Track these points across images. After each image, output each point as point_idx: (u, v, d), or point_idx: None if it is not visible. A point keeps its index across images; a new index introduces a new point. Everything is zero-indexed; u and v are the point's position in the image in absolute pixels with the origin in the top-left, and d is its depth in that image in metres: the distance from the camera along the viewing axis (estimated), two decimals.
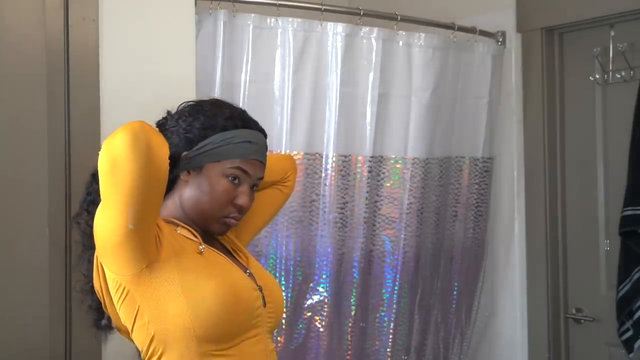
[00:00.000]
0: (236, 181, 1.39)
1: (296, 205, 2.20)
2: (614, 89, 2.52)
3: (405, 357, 2.47)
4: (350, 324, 2.34)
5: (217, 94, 2.01)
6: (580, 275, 2.63)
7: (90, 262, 1.37)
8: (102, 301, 1.36)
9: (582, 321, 2.60)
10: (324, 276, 2.27)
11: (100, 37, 1.83)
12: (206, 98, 1.52)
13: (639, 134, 2.35)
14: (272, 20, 2.15)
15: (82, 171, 1.66)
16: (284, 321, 2.19)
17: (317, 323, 2.28)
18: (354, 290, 2.33)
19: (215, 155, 1.38)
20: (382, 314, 2.40)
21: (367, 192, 2.31)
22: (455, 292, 2.65)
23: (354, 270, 2.32)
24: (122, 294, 1.28)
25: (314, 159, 2.24)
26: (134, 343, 1.34)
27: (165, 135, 1.36)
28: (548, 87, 2.65)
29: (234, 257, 1.47)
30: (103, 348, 1.80)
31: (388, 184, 2.37)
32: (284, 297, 2.10)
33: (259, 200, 1.63)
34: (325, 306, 2.27)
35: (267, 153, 1.50)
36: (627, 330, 2.35)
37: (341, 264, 2.29)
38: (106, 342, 1.47)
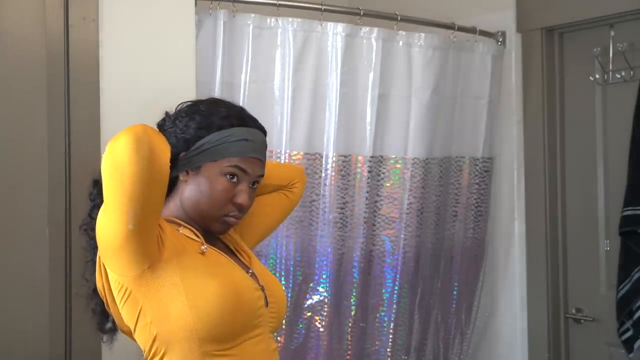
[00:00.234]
0: (235, 180, 1.39)
1: None
2: (614, 89, 2.52)
3: (405, 357, 2.47)
4: (350, 324, 2.34)
5: (217, 94, 2.01)
6: (580, 275, 2.63)
7: (94, 265, 1.38)
8: (104, 301, 1.36)
9: (582, 321, 2.60)
10: (324, 276, 2.27)
11: (100, 37, 1.83)
12: (204, 98, 1.52)
13: (639, 134, 2.35)
14: (272, 20, 2.14)
15: (82, 171, 1.66)
16: (284, 321, 2.19)
17: (317, 323, 2.28)
18: (354, 290, 2.33)
19: (212, 154, 1.38)
20: (382, 314, 2.40)
21: (367, 192, 2.31)
22: (455, 292, 2.65)
23: (354, 270, 2.32)
24: (124, 294, 1.28)
25: (314, 159, 2.24)
26: (136, 343, 1.34)
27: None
28: (548, 87, 2.65)
29: (237, 257, 1.48)
30: (103, 348, 1.80)
31: (388, 184, 2.37)
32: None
33: (264, 203, 1.63)
34: (325, 306, 2.27)
35: (277, 162, 1.49)
36: (627, 330, 2.35)
37: (341, 264, 2.29)
38: (112, 346, 1.47)
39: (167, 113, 1.46)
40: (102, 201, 1.24)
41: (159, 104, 1.49)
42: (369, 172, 2.31)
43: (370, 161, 2.31)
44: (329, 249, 2.26)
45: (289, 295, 2.22)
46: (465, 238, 2.63)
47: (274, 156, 2.16)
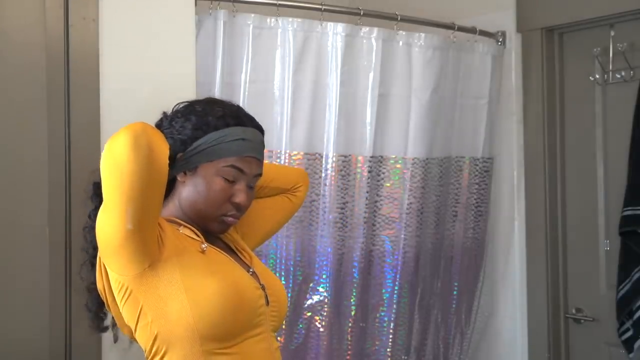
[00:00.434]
0: (232, 179, 1.39)
1: None
2: (614, 89, 2.52)
3: (405, 357, 2.47)
4: (350, 324, 2.34)
5: (217, 94, 2.01)
6: (580, 275, 2.62)
7: (93, 265, 1.38)
8: (104, 301, 1.36)
9: (582, 321, 2.60)
10: (324, 276, 2.27)
11: (100, 37, 1.83)
12: (201, 98, 1.52)
13: (639, 134, 2.35)
14: (272, 20, 2.14)
15: (82, 171, 1.66)
16: (284, 321, 2.19)
17: (317, 323, 2.28)
18: (354, 290, 2.33)
19: (208, 154, 1.38)
20: (382, 314, 2.40)
21: (367, 192, 2.31)
22: (455, 292, 2.65)
23: (354, 270, 2.32)
24: (125, 294, 1.28)
25: (314, 159, 2.24)
26: (137, 343, 1.35)
27: None
28: (548, 87, 2.65)
29: (238, 256, 1.48)
30: (103, 348, 1.80)
31: (388, 184, 2.37)
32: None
33: (266, 205, 1.63)
34: (325, 306, 2.27)
35: (282, 164, 1.49)
36: (627, 330, 2.35)
37: (341, 264, 2.29)
38: (116, 342, 1.48)
39: (164, 113, 1.46)
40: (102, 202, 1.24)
41: (159, 104, 1.49)
42: (369, 172, 2.31)
43: (370, 161, 2.31)
44: (329, 249, 2.26)
45: (289, 295, 2.22)
46: (465, 238, 2.63)
47: (274, 156, 2.16)
